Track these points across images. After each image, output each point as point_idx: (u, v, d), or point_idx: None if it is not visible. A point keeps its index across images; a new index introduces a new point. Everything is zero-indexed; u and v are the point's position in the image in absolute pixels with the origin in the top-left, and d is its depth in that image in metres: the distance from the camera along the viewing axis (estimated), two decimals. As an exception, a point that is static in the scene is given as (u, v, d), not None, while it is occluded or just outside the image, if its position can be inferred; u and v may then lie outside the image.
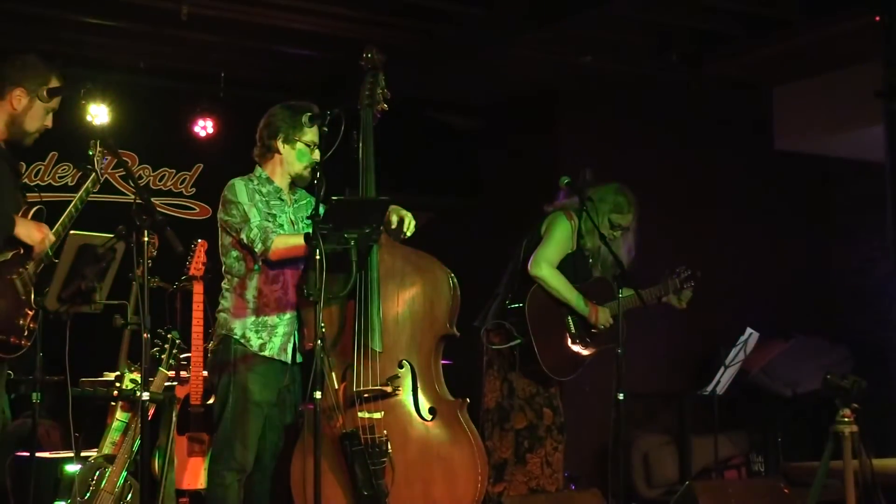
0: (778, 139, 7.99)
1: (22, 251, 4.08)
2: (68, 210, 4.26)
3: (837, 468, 5.04)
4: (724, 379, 6.78)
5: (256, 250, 4.58)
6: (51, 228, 4.18)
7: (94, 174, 4.30)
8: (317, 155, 4.69)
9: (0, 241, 4.03)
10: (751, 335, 6.70)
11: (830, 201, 8.68)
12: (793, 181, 8.37)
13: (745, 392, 7.46)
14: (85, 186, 4.28)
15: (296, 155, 4.74)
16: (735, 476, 7.67)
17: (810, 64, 7.37)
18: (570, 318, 5.30)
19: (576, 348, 5.31)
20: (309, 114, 4.61)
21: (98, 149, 4.33)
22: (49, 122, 4.32)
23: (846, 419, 4.67)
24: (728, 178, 8.18)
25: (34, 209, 4.18)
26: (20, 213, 4.15)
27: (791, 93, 7.80)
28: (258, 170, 4.79)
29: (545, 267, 5.26)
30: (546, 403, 5.31)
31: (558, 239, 5.35)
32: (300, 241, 4.44)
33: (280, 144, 4.74)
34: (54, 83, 4.26)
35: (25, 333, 4.11)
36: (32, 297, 3.98)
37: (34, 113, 4.20)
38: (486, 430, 5.31)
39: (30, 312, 4.10)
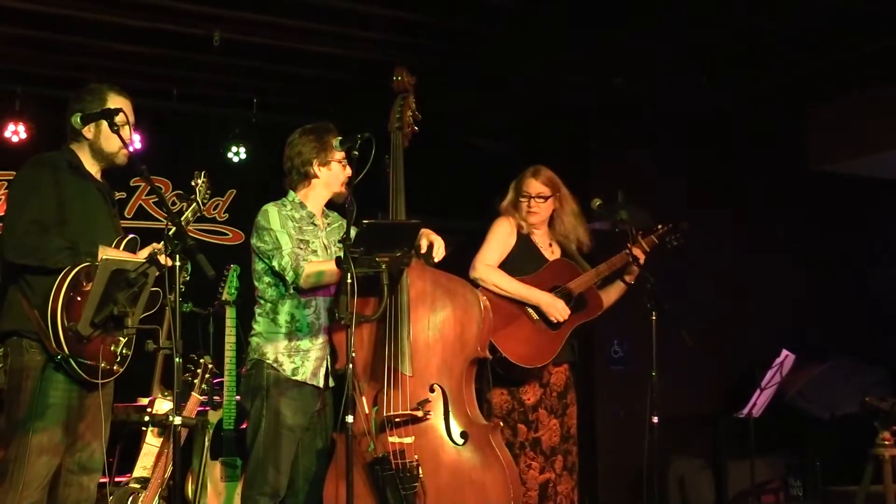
0: (812, 160, 7.92)
1: None
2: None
3: (877, 492, 4.97)
4: (759, 401, 6.70)
5: (288, 278, 4.60)
6: None
7: (195, 204, 4.36)
8: (349, 170, 4.74)
9: (68, 250, 4.09)
10: (786, 357, 6.63)
11: (866, 221, 8.59)
12: (828, 201, 8.30)
13: (781, 415, 7.38)
14: (185, 216, 4.32)
15: (333, 175, 4.79)
16: (772, 500, 7.57)
17: (844, 84, 7.31)
18: (528, 307, 5.19)
19: (546, 332, 5.17)
20: (339, 138, 4.63)
21: (202, 180, 4.40)
22: (127, 136, 4.35)
23: (886, 442, 4.61)
24: (762, 199, 8.12)
25: (127, 238, 4.24)
26: (114, 243, 4.21)
27: (825, 113, 7.74)
28: (291, 194, 4.82)
29: (480, 268, 5.20)
30: (521, 419, 5.20)
31: (491, 239, 5.31)
32: (331, 266, 4.45)
33: (317, 169, 4.78)
34: (113, 102, 4.32)
35: (118, 359, 4.17)
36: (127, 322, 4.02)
37: (105, 135, 4.27)
38: None
39: (122, 339, 4.16)
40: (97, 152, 4.35)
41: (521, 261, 5.27)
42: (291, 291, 4.67)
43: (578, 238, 5.36)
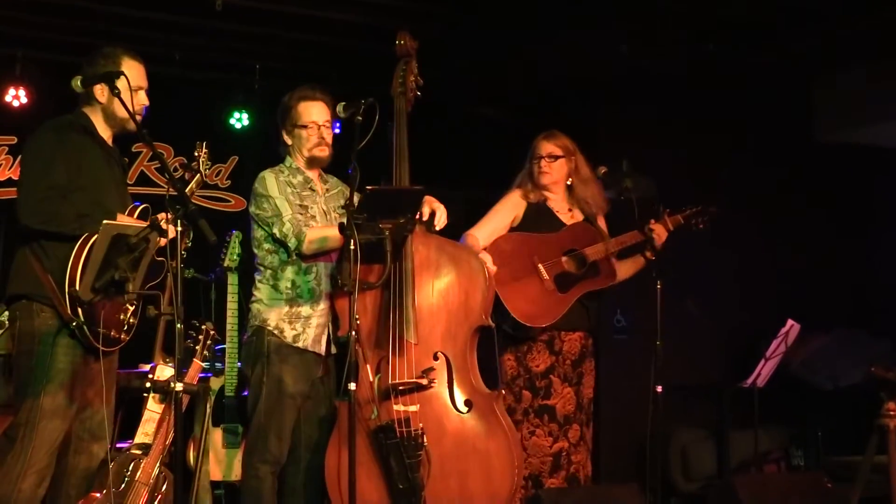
0: (819, 130, 7.86)
1: None
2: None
3: (881, 463, 4.95)
4: (764, 371, 6.68)
5: (290, 245, 4.57)
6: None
7: (198, 175, 4.34)
8: (323, 132, 4.74)
9: (83, 217, 4.06)
10: (792, 327, 6.59)
11: (873, 192, 8.54)
12: (835, 172, 8.24)
13: (784, 386, 7.36)
14: (189, 187, 4.29)
15: (299, 140, 4.77)
16: (774, 470, 7.56)
17: (851, 53, 7.24)
18: (541, 265, 5.15)
19: (553, 294, 5.13)
20: (343, 103, 4.58)
21: (204, 151, 4.38)
22: (143, 101, 4.33)
23: (891, 412, 4.57)
24: (768, 170, 8.06)
25: (140, 208, 4.23)
26: (126, 212, 4.21)
27: (833, 83, 7.67)
28: (288, 160, 4.80)
29: (463, 237, 5.13)
30: (526, 385, 5.16)
31: (493, 210, 5.30)
32: (333, 232, 4.42)
33: (286, 136, 4.79)
34: (127, 66, 4.27)
35: (125, 328, 4.17)
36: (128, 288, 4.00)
37: (117, 100, 4.20)
38: None
39: (129, 308, 4.15)
40: (109, 117, 4.32)
41: (535, 227, 5.23)
42: (293, 258, 4.64)
43: (597, 204, 5.33)
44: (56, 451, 4.15)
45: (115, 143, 4.43)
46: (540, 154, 5.29)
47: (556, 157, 5.27)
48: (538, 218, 5.25)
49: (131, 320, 4.18)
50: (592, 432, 5.32)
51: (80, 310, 3.96)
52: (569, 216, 5.30)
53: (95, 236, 3.94)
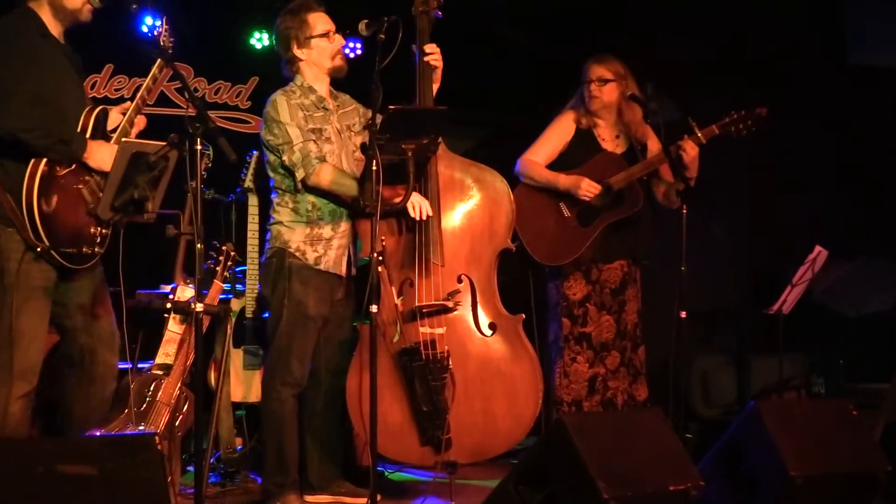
0: (852, 52, 7.72)
1: None
2: (135, 101, 4.18)
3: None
4: (790, 298, 6.62)
5: (297, 176, 4.48)
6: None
7: (159, 59, 4.18)
8: (338, 41, 4.63)
9: (62, 143, 3.94)
10: (819, 253, 6.52)
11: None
12: (866, 96, 8.10)
13: (805, 313, 7.31)
14: (152, 72, 4.16)
15: (317, 52, 4.63)
16: (794, 397, 7.54)
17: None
18: (562, 203, 5.17)
19: (575, 230, 5.16)
20: (366, 21, 4.48)
21: (165, 27, 4.23)
22: None
23: (921, 340, 4.54)
24: (796, 93, 7.92)
25: (97, 110, 4.09)
26: (84, 113, 4.06)
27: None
28: (298, 78, 4.67)
29: (519, 162, 5.21)
30: (565, 313, 5.22)
31: (543, 135, 5.30)
32: (350, 184, 4.34)
33: (298, 52, 4.63)
34: None
35: (98, 240, 4.07)
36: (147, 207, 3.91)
37: None
38: None
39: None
40: (59, 10, 4.08)
41: (578, 155, 5.24)
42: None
43: (644, 130, 5.29)
44: (38, 372, 4.04)
45: (66, 39, 4.19)
46: (590, 78, 5.26)
47: (607, 81, 5.24)
48: (582, 146, 5.26)
49: (104, 232, 4.06)
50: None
51: (44, 235, 3.87)
52: (614, 144, 5.29)
53: (44, 160, 3.85)
